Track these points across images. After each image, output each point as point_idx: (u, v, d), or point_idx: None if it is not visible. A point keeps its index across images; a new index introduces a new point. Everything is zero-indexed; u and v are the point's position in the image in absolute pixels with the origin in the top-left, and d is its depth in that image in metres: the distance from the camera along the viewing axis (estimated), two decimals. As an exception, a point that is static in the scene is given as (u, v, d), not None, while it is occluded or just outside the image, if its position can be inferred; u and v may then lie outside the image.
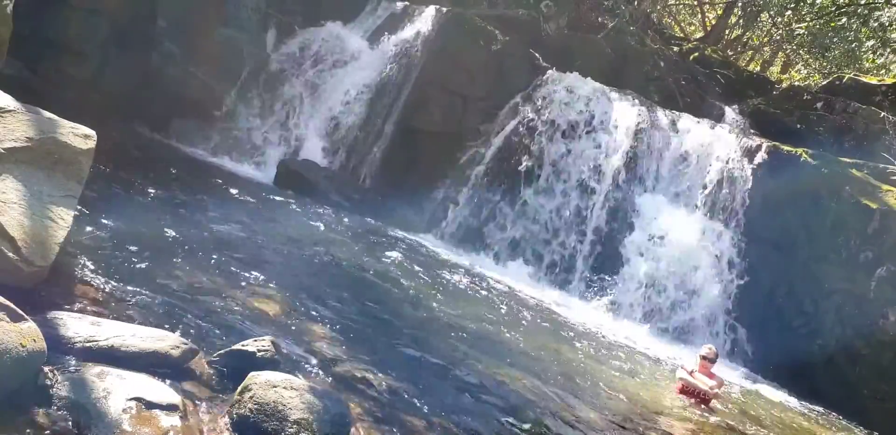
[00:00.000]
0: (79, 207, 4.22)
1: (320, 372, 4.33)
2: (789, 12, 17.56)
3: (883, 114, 12.64)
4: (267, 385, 3.43)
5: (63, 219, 4.03)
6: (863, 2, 16.99)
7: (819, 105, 13.45)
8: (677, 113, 11.80)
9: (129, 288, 4.47)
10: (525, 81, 11.78)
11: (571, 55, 13.38)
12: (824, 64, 19.00)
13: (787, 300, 9.86)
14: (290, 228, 8.03)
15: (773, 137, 11.65)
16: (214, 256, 5.87)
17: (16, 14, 5.82)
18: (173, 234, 6.12)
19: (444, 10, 12.10)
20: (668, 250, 10.17)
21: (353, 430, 3.61)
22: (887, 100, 13.72)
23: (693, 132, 11.27)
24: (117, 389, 3.18)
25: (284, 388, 3.43)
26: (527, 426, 4.78)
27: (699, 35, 19.85)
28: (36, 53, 9.69)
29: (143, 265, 4.98)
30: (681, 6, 21.59)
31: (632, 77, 13.57)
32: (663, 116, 11.46)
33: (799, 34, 18.00)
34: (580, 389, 5.97)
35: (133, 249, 5.23)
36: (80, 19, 10.04)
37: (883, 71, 18.09)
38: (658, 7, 18.46)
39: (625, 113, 11.26)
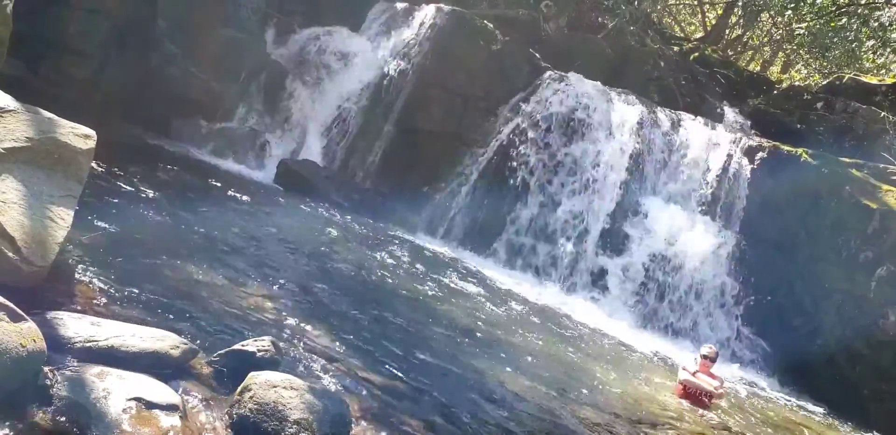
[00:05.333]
0: (78, 207, 4.21)
1: (320, 372, 4.33)
2: (789, 12, 17.52)
3: (883, 114, 12.64)
4: (267, 385, 3.42)
5: (63, 219, 4.03)
6: (863, 2, 16.97)
7: (819, 105, 13.45)
8: (677, 113, 11.80)
9: (129, 288, 4.47)
10: (525, 81, 11.79)
11: (571, 55, 13.37)
12: (824, 64, 18.97)
13: (787, 300, 9.86)
14: (290, 228, 8.03)
15: (773, 137, 11.65)
16: (214, 256, 5.87)
17: (16, 14, 5.82)
18: (173, 234, 6.12)
19: (445, 9, 12.10)
20: (668, 250, 10.17)
21: (353, 430, 3.61)
22: (887, 100, 13.71)
23: (693, 132, 11.27)
24: (117, 389, 3.17)
25: (284, 388, 3.43)
26: (527, 426, 4.78)
27: (699, 35, 19.84)
28: (36, 53, 9.67)
29: (143, 265, 4.98)
30: (681, 6, 21.58)
31: (632, 77, 13.57)
32: (663, 116, 11.46)
33: (799, 34, 17.98)
34: (580, 389, 5.97)
35: (133, 249, 5.22)
36: (80, 19, 10.01)
37: (883, 71, 18.06)
38: (658, 7, 18.45)
39: (625, 113, 11.25)
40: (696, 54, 16.32)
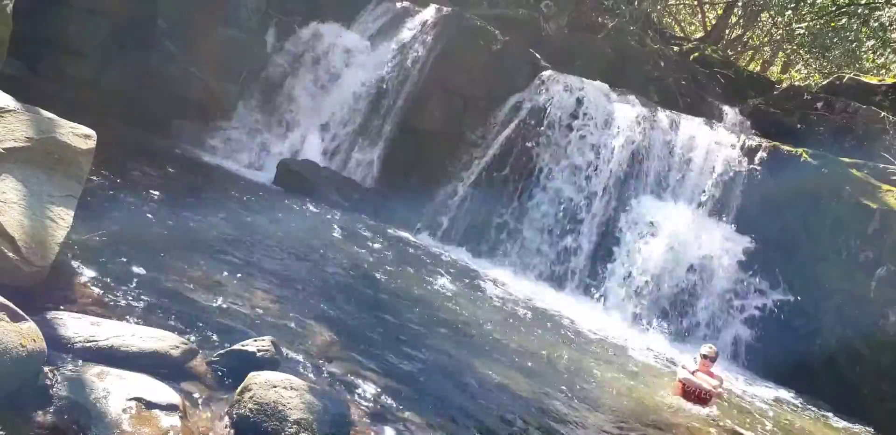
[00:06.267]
0: (78, 207, 4.21)
1: (320, 372, 4.33)
2: (789, 12, 17.54)
3: (883, 114, 12.62)
4: (267, 385, 3.43)
5: (63, 219, 4.03)
6: (863, 2, 16.98)
7: (819, 105, 13.43)
8: (677, 113, 11.79)
9: (129, 288, 4.47)
10: (525, 81, 11.77)
11: (571, 55, 13.37)
12: (824, 64, 18.97)
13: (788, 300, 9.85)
14: (290, 229, 8.03)
15: (773, 137, 11.63)
16: (215, 257, 5.87)
17: (16, 14, 5.82)
18: (173, 234, 6.13)
19: (445, 10, 12.10)
20: (667, 250, 10.16)
21: (353, 430, 3.61)
22: (887, 100, 13.70)
23: (693, 132, 11.26)
24: (117, 389, 3.18)
25: (284, 388, 3.43)
26: (527, 426, 4.78)
27: (699, 35, 19.84)
28: (36, 53, 9.69)
29: (143, 265, 4.98)
30: (681, 6, 21.58)
31: (632, 77, 13.57)
32: (663, 116, 11.45)
33: (799, 34, 17.98)
34: (579, 389, 5.97)
35: (133, 249, 5.22)
36: (80, 19, 10.03)
37: (883, 71, 18.06)
38: (658, 7, 18.43)
39: (625, 113, 11.25)
40: (696, 54, 16.32)
